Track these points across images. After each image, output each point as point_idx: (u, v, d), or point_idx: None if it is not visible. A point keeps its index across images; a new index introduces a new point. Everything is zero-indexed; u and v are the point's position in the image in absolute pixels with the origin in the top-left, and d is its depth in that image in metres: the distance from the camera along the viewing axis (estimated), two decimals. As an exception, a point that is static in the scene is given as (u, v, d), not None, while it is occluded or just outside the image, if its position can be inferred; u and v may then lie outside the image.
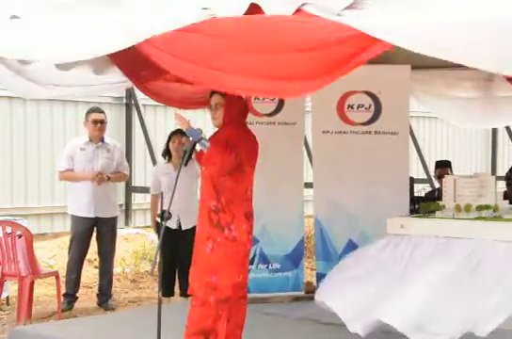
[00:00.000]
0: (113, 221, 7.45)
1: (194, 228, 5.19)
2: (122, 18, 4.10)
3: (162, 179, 7.13)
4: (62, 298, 7.06)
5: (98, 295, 7.49)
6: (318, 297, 5.20)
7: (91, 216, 7.24)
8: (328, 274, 5.45)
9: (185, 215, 6.85)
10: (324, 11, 3.49)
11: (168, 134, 7.21)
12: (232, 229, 4.77)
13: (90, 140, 7.33)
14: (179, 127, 6.71)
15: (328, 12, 3.47)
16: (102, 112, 7.41)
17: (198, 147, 4.91)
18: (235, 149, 4.74)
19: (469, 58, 3.29)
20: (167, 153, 7.22)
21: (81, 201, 7.25)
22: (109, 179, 7.28)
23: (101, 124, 7.30)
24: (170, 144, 7.14)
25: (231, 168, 4.75)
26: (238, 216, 4.80)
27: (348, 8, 3.42)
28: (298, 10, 3.62)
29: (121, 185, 10.03)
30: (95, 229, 7.34)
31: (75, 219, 7.33)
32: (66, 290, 7.23)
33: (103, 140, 7.37)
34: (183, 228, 7.02)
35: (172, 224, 6.84)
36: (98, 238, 7.40)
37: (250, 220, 4.87)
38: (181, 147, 7.07)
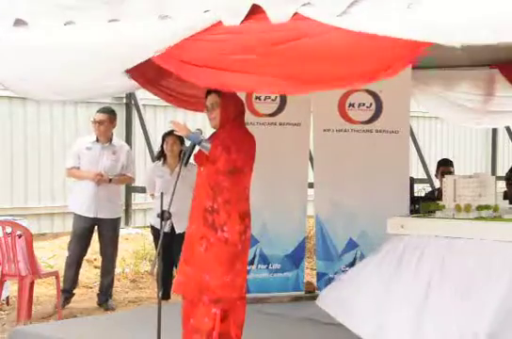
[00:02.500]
0: (115, 223, 7.41)
1: None
2: (128, 33, 4.09)
3: (156, 181, 7.09)
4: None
5: (98, 295, 7.48)
6: (320, 303, 5.22)
7: (91, 216, 7.23)
8: (334, 281, 5.44)
9: (179, 218, 6.44)
10: (324, 12, 3.48)
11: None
12: (224, 230, 4.76)
13: (97, 140, 7.27)
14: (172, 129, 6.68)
15: (328, 13, 3.46)
16: (106, 112, 7.26)
17: (197, 148, 4.90)
18: (235, 149, 4.73)
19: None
20: (161, 155, 7.17)
21: (82, 201, 7.25)
22: (110, 181, 7.24)
23: (99, 125, 7.20)
24: (164, 145, 7.10)
25: (230, 167, 4.73)
26: (233, 216, 4.78)
27: (350, 7, 3.41)
28: (296, 14, 3.61)
29: (121, 186, 9.99)
30: (97, 229, 7.34)
31: (76, 217, 7.33)
32: (63, 286, 7.19)
33: (110, 141, 7.32)
34: (176, 232, 6.95)
35: (165, 227, 6.75)
36: (99, 239, 7.39)
37: (245, 220, 4.84)
38: (175, 147, 7.03)
